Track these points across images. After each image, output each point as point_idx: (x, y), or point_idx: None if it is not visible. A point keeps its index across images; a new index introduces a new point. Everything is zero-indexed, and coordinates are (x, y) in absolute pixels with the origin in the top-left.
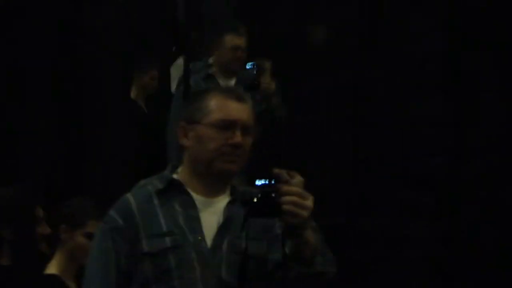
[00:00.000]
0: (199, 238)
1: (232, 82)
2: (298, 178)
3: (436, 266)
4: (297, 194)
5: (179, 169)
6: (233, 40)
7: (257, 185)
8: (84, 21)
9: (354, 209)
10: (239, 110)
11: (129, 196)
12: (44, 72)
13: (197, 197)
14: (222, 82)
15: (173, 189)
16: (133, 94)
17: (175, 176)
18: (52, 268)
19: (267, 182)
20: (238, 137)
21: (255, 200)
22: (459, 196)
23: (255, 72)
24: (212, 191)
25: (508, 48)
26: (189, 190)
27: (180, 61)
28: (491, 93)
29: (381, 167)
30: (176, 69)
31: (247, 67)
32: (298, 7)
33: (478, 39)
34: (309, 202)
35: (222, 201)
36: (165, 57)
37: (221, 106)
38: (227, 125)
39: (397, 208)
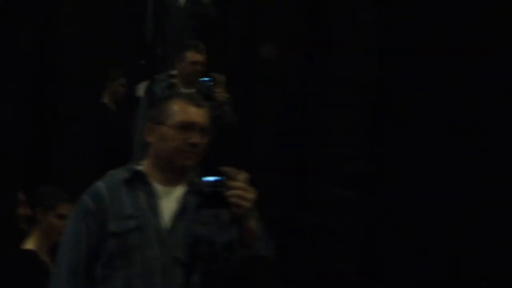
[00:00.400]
0: (155, 221)
1: (192, 91)
2: (242, 175)
3: (364, 255)
4: (241, 189)
5: (144, 162)
6: (194, 56)
7: (209, 180)
8: (63, 35)
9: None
10: (197, 114)
11: (100, 183)
12: (27, 75)
13: (158, 186)
14: (183, 91)
15: (138, 179)
16: (105, 99)
17: (140, 167)
18: (29, 244)
19: (217, 178)
20: (195, 138)
21: (206, 192)
22: (380, 193)
23: (211, 84)
24: (171, 182)
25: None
26: (152, 180)
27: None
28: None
29: (317, 168)
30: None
31: (205, 79)
32: (250, 26)
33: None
34: (252, 195)
35: (180, 191)
36: (133, 68)
37: (182, 110)
38: (186, 127)
39: (329, 204)
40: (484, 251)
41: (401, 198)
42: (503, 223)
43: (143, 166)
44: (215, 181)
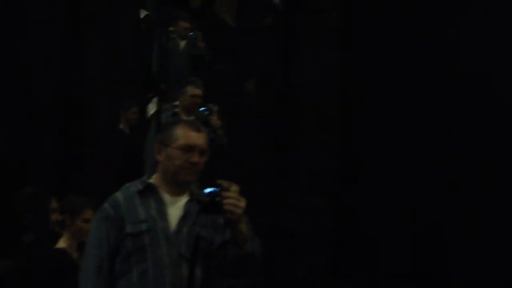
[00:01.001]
0: (164, 225)
1: (192, 119)
2: (235, 187)
3: (329, 257)
4: (234, 198)
5: (154, 176)
6: (193, 90)
7: (207, 191)
8: (87, 75)
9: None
10: (197, 138)
11: (117, 194)
12: (60, 107)
13: (165, 196)
14: (185, 118)
15: (149, 190)
16: (121, 125)
17: (151, 180)
18: (61, 244)
19: (214, 189)
20: (196, 158)
21: (206, 201)
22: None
23: (207, 113)
24: (176, 193)
25: None
26: (160, 191)
27: (152, 104)
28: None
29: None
30: (152, 108)
31: (202, 109)
32: (236, 65)
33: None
34: (242, 203)
35: (183, 200)
36: (143, 99)
37: (184, 135)
38: (188, 149)
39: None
40: (452, 247)
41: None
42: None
43: (153, 180)
44: (212, 191)
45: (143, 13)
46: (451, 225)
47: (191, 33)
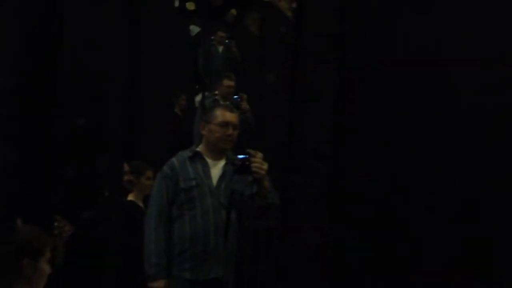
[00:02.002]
0: (208, 182)
1: (227, 103)
2: (259, 154)
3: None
4: (259, 162)
5: (200, 146)
6: (228, 82)
7: (239, 157)
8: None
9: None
10: (231, 117)
11: (173, 159)
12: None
13: (208, 160)
14: (222, 103)
15: (196, 156)
16: (175, 109)
17: (197, 149)
18: (130, 197)
19: (245, 155)
20: (230, 131)
21: (238, 164)
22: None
23: (238, 99)
24: (216, 158)
25: None
26: (205, 157)
27: (198, 94)
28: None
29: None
30: (198, 96)
31: (235, 97)
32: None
33: None
34: (265, 166)
35: (222, 163)
36: (192, 90)
37: (222, 114)
38: (224, 124)
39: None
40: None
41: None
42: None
43: (199, 148)
44: (243, 157)
45: (193, 28)
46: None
47: (227, 41)
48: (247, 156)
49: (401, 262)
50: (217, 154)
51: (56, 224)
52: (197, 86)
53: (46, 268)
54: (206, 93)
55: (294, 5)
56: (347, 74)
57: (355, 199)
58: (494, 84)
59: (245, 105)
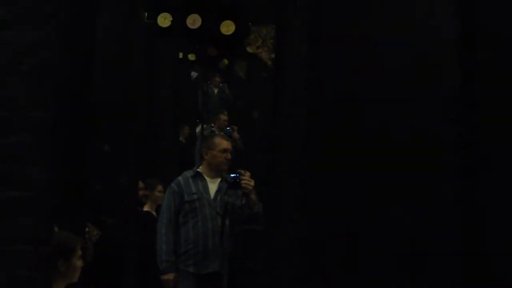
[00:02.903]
0: (207, 196)
1: (222, 134)
2: (247, 173)
3: None
4: (247, 179)
5: (200, 167)
6: (222, 117)
7: (232, 176)
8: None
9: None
10: (228, 144)
11: (179, 177)
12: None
13: (207, 178)
14: (218, 133)
15: (197, 175)
16: (181, 137)
17: (198, 169)
18: (146, 208)
19: (236, 174)
20: (228, 156)
21: (230, 181)
22: None
23: (230, 130)
24: (214, 176)
25: None
26: (204, 176)
27: (199, 125)
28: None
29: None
30: (198, 128)
31: (228, 128)
32: (248, 102)
33: None
34: (252, 182)
35: (217, 180)
36: (194, 123)
37: (222, 143)
38: (224, 151)
39: None
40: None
41: None
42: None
43: (199, 169)
44: (235, 176)
45: (193, 74)
46: None
47: (221, 84)
48: (238, 174)
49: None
50: (215, 173)
51: (86, 229)
52: (197, 120)
53: (78, 263)
54: (205, 125)
55: (272, 55)
56: (316, 107)
57: (325, 204)
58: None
59: (235, 135)
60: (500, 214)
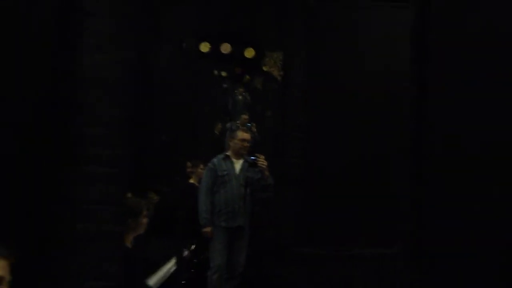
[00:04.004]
0: (233, 172)
1: (244, 128)
2: (262, 156)
3: None
4: (262, 160)
5: (228, 151)
6: (245, 116)
7: (251, 157)
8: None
9: None
10: (246, 135)
11: (214, 159)
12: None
13: (233, 160)
14: (241, 128)
15: (226, 157)
16: (215, 130)
17: (227, 153)
18: (191, 180)
19: (254, 157)
20: (246, 144)
21: (250, 161)
22: None
23: (250, 126)
24: (237, 158)
25: None
26: (231, 158)
27: (228, 123)
28: None
29: None
30: (228, 124)
31: (248, 124)
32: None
33: None
34: (265, 163)
35: (241, 161)
36: (224, 121)
37: (241, 134)
38: (243, 140)
39: None
40: None
41: None
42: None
43: (228, 153)
44: (253, 158)
45: (224, 86)
46: None
47: (244, 93)
48: (255, 157)
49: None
50: (238, 156)
51: (149, 195)
52: (227, 118)
53: (143, 221)
54: (231, 122)
55: (281, 73)
56: (311, 109)
57: (315, 180)
58: None
59: (253, 129)
60: None
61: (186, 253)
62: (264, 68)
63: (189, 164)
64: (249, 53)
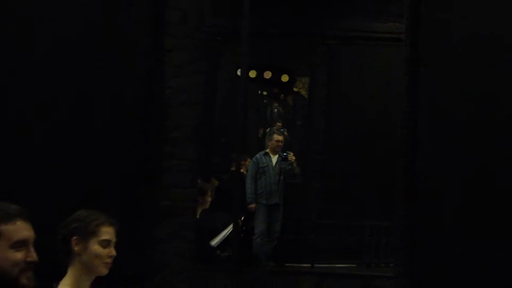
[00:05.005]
0: (271, 164)
1: (279, 131)
2: (291, 153)
3: None
4: (291, 156)
5: (267, 149)
6: (278, 124)
7: (284, 154)
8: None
9: None
10: (280, 137)
11: (257, 154)
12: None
13: (271, 155)
14: (276, 132)
15: (266, 153)
16: (259, 134)
17: (267, 150)
18: (242, 170)
19: (286, 153)
20: (280, 144)
21: (283, 157)
22: None
23: (283, 131)
24: (274, 154)
25: None
26: (269, 154)
27: (268, 129)
28: None
29: None
30: (268, 130)
31: (281, 129)
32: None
33: None
34: (294, 158)
35: (276, 156)
36: (265, 128)
37: (275, 137)
38: (277, 142)
39: None
40: None
41: None
42: None
43: (267, 150)
44: (285, 154)
45: (265, 101)
46: None
47: (279, 107)
48: (287, 153)
49: None
50: (274, 153)
51: (212, 181)
52: (266, 125)
53: (209, 199)
54: (269, 128)
55: (308, 93)
56: (330, 120)
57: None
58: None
59: (286, 133)
60: None
61: (238, 222)
62: (295, 89)
63: (239, 158)
64: (285, 78)
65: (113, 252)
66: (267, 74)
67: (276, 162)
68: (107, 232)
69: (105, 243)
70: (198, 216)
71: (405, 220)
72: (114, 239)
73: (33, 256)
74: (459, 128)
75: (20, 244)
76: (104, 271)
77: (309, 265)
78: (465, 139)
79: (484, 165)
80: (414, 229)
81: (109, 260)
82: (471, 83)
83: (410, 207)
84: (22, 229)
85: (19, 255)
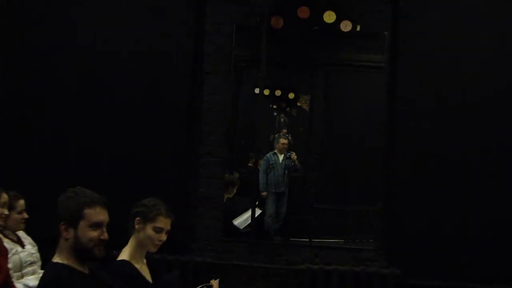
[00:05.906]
0: (278, 161)
1: (284, 137)
2: (294, 152)
3: None
4: (294, 155)
5: (275, 150)
6: (284, 130)
7: (288, 153)
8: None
9: None
10: (285, 141)
11: (267, 154)
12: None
13: (278, 154)
14: (282, 137)
15: (274, 153)
16: (270, 139)
17: (275, 151)
18: (258, 166)
19: (289, 153)
20: (285, 146)
21: (287, 156)
22: None
23: (288, 136)
24: (281, 154)
25: None
26: (277, 153)
27: (275, 135)
28: None
29: None
30: (275, 136)
31: (287, 135)
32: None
33: None
34: (296, 157)
35: (282, 155)
36: (274, 133)
37: (282, 140)
38: (283, 145)
39: None
40: None
41: None
42: None
43: (275, 151)
44: (289, 153)
45: (275, 113)
46: None
47: (285, 117)
48: (290, 153)
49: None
50: (281, 152)
51: (235, 174)
52: (275, 132)
53: (234, 190)
54: (277, 134)
55: (309, 107)
56: (327, 129)
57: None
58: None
59: (290, 138)
60: None
61: (255, 206)
62: (298, 104)
63: (255, 156)
64: (291, 95)
65: (163, 237)
66: (278, 92)
67: (282, 160)
68: (163, 222)
69: (158, 229)
70: (224, 201)
71: (383, 205)
72: (167, 228)
73: (105, 235)
74: (426, 132)
75: (96, 225)
76: (153, 249)
77: (308, 240)
78: (431, 142)
79: (446, 158)
80: (390, 212)
81: (158, 243)
82: (438, 98)
83: (387, 195)
84: (99, 214)
85: (95, 233)
